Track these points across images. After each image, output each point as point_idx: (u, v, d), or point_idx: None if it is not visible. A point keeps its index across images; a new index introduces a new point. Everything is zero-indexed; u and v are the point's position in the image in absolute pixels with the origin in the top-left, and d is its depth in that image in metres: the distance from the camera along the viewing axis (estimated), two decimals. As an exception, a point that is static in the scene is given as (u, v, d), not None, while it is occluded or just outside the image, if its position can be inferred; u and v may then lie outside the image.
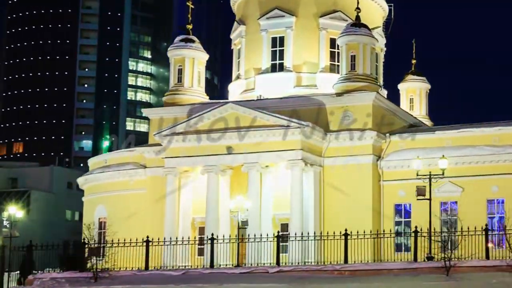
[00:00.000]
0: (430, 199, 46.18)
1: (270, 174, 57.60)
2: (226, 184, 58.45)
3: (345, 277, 38.98)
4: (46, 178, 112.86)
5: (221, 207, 57.32)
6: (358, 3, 60.84)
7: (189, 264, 51.87)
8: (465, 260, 39.70)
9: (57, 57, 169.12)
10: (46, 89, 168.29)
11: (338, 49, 61.60)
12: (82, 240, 47.47)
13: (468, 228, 41.95)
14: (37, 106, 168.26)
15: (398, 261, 44.06)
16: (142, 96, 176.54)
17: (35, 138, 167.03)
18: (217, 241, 46.78)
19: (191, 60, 64.39)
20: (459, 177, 55.36)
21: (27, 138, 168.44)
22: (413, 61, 71.86)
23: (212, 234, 48.58)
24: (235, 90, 66.87)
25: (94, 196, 66.33)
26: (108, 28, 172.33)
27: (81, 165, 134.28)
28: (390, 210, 57.03)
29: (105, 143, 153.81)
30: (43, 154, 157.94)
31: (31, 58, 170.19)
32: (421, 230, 44.17)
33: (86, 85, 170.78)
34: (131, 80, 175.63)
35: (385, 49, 69.71)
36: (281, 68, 64.07)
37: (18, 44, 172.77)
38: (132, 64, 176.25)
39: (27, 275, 44.70)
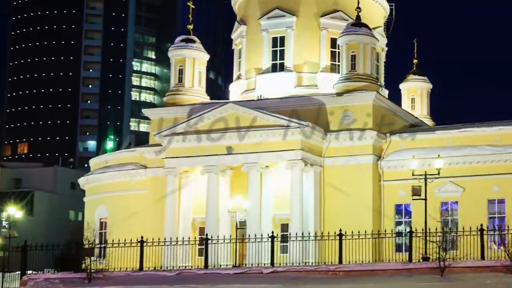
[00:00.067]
0: (425, 199, 45.97)
1: (270, 174, 57.51)
2: (226, 184, 58.38)
3: (340, 278, 38.86)
4: (50, 179, 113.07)
5: (221, 207, 57.22)
6: (358, 2, 60.68)
7: (190, 264, 51.83)
8: (460, 260, 39.49)
9: (62, 58, 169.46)
10: (51, 90, 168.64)
11: (338, 49, 61.41)
12: (76, 241, 47.37)
13: (463, 228, 41.80)
14: (41, 106, 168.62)
15: (393, 262, 43.73)
16: (146, 97, 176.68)
17: (40, 138, 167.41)
18: (211, 241, 46.59)
19: (192, 60, 64.33)
20: (460, 177, 55.22)
21: (31, 139, 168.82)
22: (415, 61, 71.70)
23: (206, 235, 48.58)
24: (236, 90, 66.81)
25: (95, 197, 66.34)
26: (113, 28, 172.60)
27: (86, 165, 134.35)
28: (390, 210, 56.85)
29: (109, 144, 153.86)
30: (47, 154, 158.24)
31: (36, 59, 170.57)
32: (415, 230, 43.97)
33: (90, 86, 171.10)
34: (135, 81, 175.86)
35: (386, 48, 69.54)
36: (281, 68, 63.96)
37: (23, 45, 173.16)
38: (136, 65, 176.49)
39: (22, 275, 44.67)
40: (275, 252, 51.99)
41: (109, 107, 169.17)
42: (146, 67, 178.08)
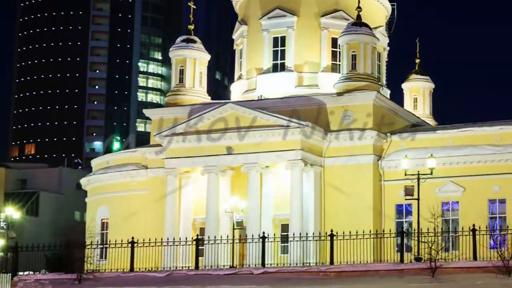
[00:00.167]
0: (418, 199, 45.82)
1: (271, 174, 57.38)
2: (226, 184, 58.28)
3: (330, 279, 38.70)
4: (55, 180, 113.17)
5: (221, 207, 57.08)
6: (359, 2, 60.45)
7: (190, 265, 51.71)
8: (452, 261, 39.23)
9: (68, 59, 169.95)
10: (58, 91, 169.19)
11: (339, 48, 61.23)
12: (68, 241, 47.28)
13: (456, 229, 41.58)
14: (48, 107, 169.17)
15: (384, 262, 43.55)
16: (153, 97, 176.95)
17: (47, 139, 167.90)
18: (203, 241, 46.45)
19: (193, 60, 64.26)
20: (461, 177, 55.02)
21: (38, 140, 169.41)
22: (417, 61, 71.47)
23: (197, 235, 48.44)
24: (237, 90, 66.75)
25: (96, 197, 66.37)
26: (119, 30, 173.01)
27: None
28: (391, 210, 56.61)
29: (116, 145, 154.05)
30: (54, 155, 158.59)
31: (43, 60, 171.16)
32: (407, 230, 43.76)
33: (97, 87, 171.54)
34: (141, 82, 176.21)
35: (388, 48, 69.32)
36: (282, 68, 63.82)
37: (30, 46, 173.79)
38: (142, 66, 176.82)
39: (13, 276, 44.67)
40: (275, 253, 52.21)
41: (115, 108, 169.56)
42: (153, 68, 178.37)
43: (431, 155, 48.58)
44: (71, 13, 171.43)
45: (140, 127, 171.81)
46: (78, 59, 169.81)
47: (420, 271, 37.85)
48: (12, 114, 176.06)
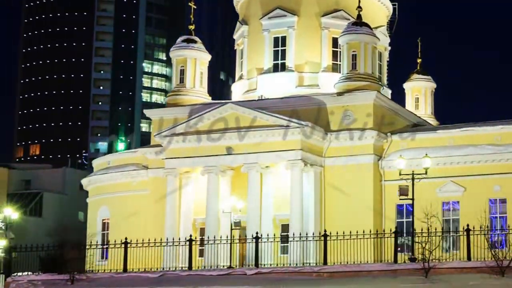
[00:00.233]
0: (413, 199, 45.67)
1: (271, 174, 57.31)
2: (226, 184, 58.19)
3: (323, 279, 38.56)
4: (59, 180, 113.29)
5: (221, 208, 56.99)
6: (359, 2, 60.33)
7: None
8: (446, 261, 39.02)
9: (73, 60, 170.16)
10: (62, 92, 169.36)
11: (340, 48, 61.11)
12: (61, 242, 47.22)
13: (450, 229, 41.38)
14: (53, 108, 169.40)
15: (378, 263, 43.35)
16: (157, 98, 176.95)
17: (51, 140, 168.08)
18: (195, 242, 46.37)
19: (193, 60, 64.23)
20: (461, 177, 54.86)
21: (43, 140, 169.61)
22: (419, 60, 71.26)
23: (190, 236, 48.46)
24: (238, 90, 66.69)
25: (97, 197, 66.40)
26: (123, 30, 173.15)
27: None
28: (391, 211, 56.45)
29: (121, 145, 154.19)
30: (59, 156, 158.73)
31: (47, 61, 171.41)
32: (401, 231, 43.60)
33: (101, 87, 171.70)
34: (146, 82, 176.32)
35: (389, 48, 69.13)
36: (283, 68, 63.74)
37: (35, 47, 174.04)
38: (147, 66, 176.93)
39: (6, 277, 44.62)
40: (275, 253, 52.10)
41: (120, 108, 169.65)
42: (157, 68, 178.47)
43: (426, 154, 48.35)
44: (76, 14, 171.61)
45: (145, 128, 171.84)
46: (82, 59, 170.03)
47: (413, 272, 37.66)
48: (17, 115, 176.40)
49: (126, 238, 47.29)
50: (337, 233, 44.56)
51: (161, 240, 47.02)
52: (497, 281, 35.29)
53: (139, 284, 40.19)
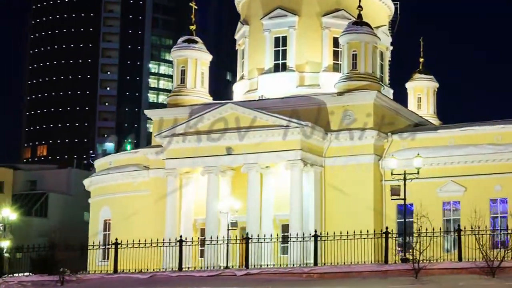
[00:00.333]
0: (404, 199, 45.51)
1: (271, 174, 57.23)
2: (227, 185, 58.12)
3: (313, 280, 38.38)
4: (64, 181, 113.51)
5: (221, 208, 56.90)
6: (360, 1, 60.19)
7: (191, 265, 51.52)
8: (437, 262, 38.78)
9: (80, 61, 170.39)
10: (69, 93, 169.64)
11: (341, 48, 60.96)
12: (52, 243, 47.13)
13: (440, 229, 41.17)
14: (60, 109, 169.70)
15: (368, 263, 43.09)
16: (164, 99, 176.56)
17: (58, 141, 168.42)
18: (186, 243, 46.22)
19: (194, 60, 64.23)
20: (462, 176, 54.66)
21: (50, 141, 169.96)
22: (421, 60, 71.04)
23: (181, 236, 48.26)
24: (239, 90, 66.66)
25: (99, 198, 66.51)
26: (130, 31, 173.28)
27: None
28: (392, 211, 56.21)
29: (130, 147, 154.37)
30: (66, 156, 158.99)
31: (54, 62, 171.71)
32: (391, 231, 43.44)
33: (108, 88, 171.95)
34: (152, 83, 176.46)
35: (391, 47, 68.92)
36: (283, 68, 63.66)
37: (42, 48, 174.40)
38: (153, 67, 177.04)
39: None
40: (275, 254, 51.99)
41: (126, 109, 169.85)
42: (164, 69, 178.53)
43: (418, 154, 48.18)
44: (82, 15, 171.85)
45: (151, 128, 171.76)
46: (89, 60, 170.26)
47: (404, 272, 37.44)
48: (24, 116, 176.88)
49: (116, 239, 47.14)
50: (327, 234, 44.64)
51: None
52: (488, 282, 35.03)
53: (129, 285, 40.10)
